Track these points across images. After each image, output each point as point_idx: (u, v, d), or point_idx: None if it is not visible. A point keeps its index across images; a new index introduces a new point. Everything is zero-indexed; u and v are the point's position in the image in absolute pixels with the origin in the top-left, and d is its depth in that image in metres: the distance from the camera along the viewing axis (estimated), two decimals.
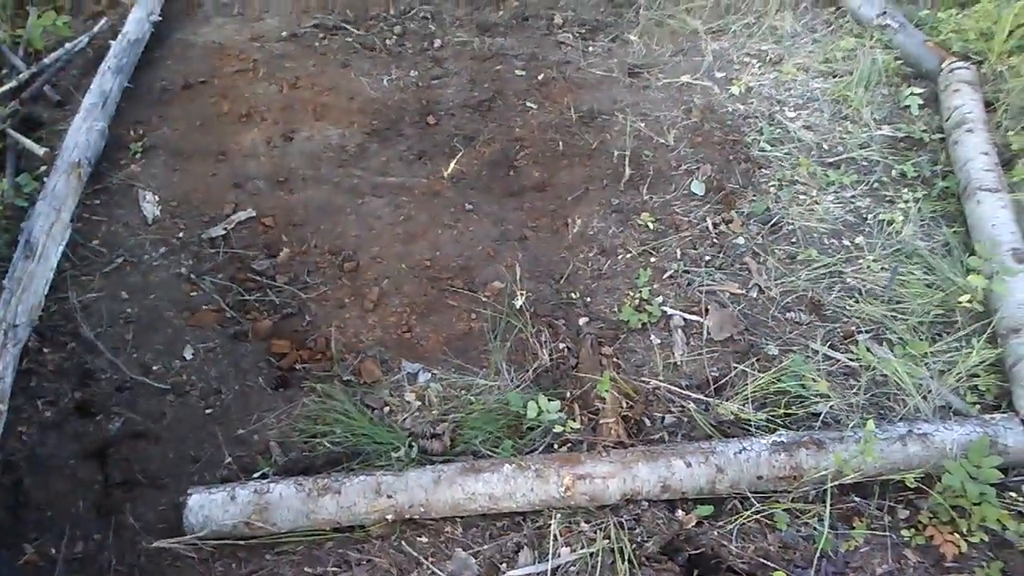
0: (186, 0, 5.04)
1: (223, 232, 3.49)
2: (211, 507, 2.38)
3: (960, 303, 3.04)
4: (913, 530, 2.48)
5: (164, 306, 3.17)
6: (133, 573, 2.37)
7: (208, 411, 2.83)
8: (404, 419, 2.81)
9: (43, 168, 3.63)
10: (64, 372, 2.91)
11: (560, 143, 4.00)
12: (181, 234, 3.48)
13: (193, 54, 4.59)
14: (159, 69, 4.46)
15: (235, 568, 2.37)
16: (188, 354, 3.00)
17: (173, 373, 2.94)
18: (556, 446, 2.70)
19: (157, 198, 3.62)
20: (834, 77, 4.37)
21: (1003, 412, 2.70)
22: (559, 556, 2.38)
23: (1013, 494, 2.52)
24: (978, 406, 2.79)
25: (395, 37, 4.81)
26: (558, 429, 2.71)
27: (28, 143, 3.79)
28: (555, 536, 2.43)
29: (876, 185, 3.72)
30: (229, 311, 3.17)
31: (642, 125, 4.08)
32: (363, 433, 2.72)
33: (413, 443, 2.68)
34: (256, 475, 2.59)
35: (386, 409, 2.85)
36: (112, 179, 3.70)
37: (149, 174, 3.76)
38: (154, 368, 2.95)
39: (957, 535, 2.43)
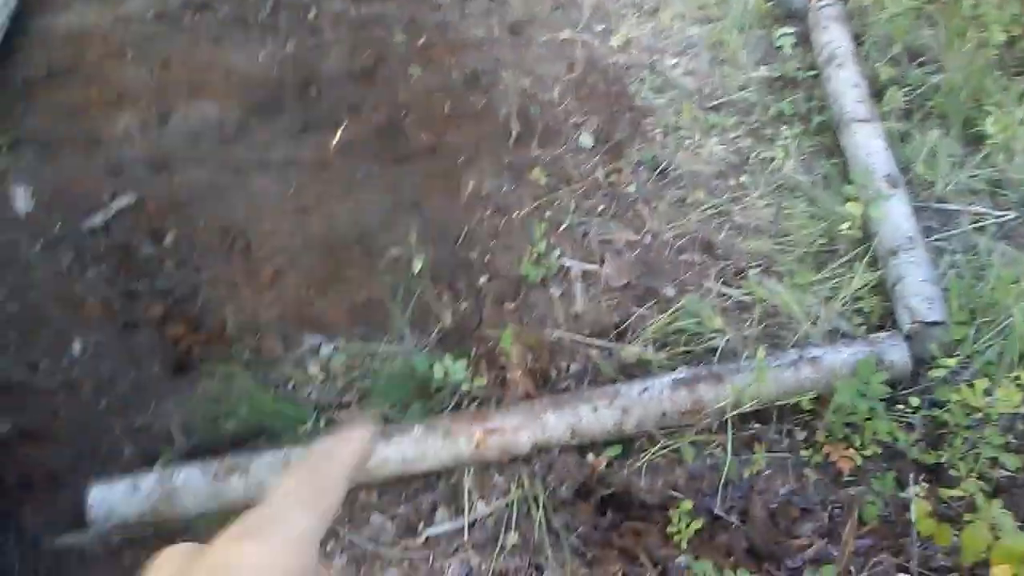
0: None
1: (103, 221, 3.35)
2: (114, 499, 2.31)
3: (841, 231, 3.16)
4: (811, 450, 2.58)
5: (47, 303, 3.03)
6: (39, 573, 2.29)
7: (103, 404, 2.73)
8: (309, 392, 2.77)
9: None
10: None
11: (447, 106, 3.97)
12: (58, 227, 3.32)
13: (55, 42, 4.34)
14: (20, 60, 4.20)
15: (143, 558, 2.29)
16: (77, 349, 2.89)
17: (62, 370, 2.83)
18: (465, 404, 2.71)
19: (30, 192, 3.45)
20: (709, 23, 4.44)
21: (887, 330, 2.82)
22: (475, 510, 2.41)
23: (901, 406, 2.65)
24: (864, 327, 2.91)
25: (268, 10, 4.66)
26: (466, 387, 2.72)
27: None
28: (469, 491, 2.45)
29: (756, 125, 3.82)
30: (117, 301, 3.05)
31: (527, 82, 4.07)
32: (268, 411, 2.67)
33: (320, 415, 2.65)
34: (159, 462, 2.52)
35: (290, 384, 2.81)
36: None
37: (18, 169, 3.57)
38: (41, 367, 2.83)
39: (852, 450, 2.55)
